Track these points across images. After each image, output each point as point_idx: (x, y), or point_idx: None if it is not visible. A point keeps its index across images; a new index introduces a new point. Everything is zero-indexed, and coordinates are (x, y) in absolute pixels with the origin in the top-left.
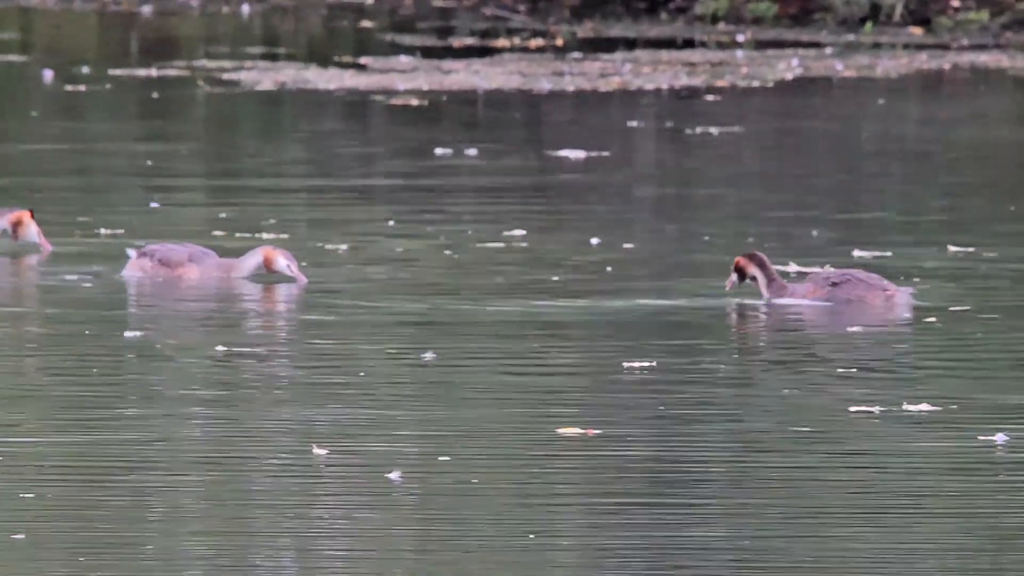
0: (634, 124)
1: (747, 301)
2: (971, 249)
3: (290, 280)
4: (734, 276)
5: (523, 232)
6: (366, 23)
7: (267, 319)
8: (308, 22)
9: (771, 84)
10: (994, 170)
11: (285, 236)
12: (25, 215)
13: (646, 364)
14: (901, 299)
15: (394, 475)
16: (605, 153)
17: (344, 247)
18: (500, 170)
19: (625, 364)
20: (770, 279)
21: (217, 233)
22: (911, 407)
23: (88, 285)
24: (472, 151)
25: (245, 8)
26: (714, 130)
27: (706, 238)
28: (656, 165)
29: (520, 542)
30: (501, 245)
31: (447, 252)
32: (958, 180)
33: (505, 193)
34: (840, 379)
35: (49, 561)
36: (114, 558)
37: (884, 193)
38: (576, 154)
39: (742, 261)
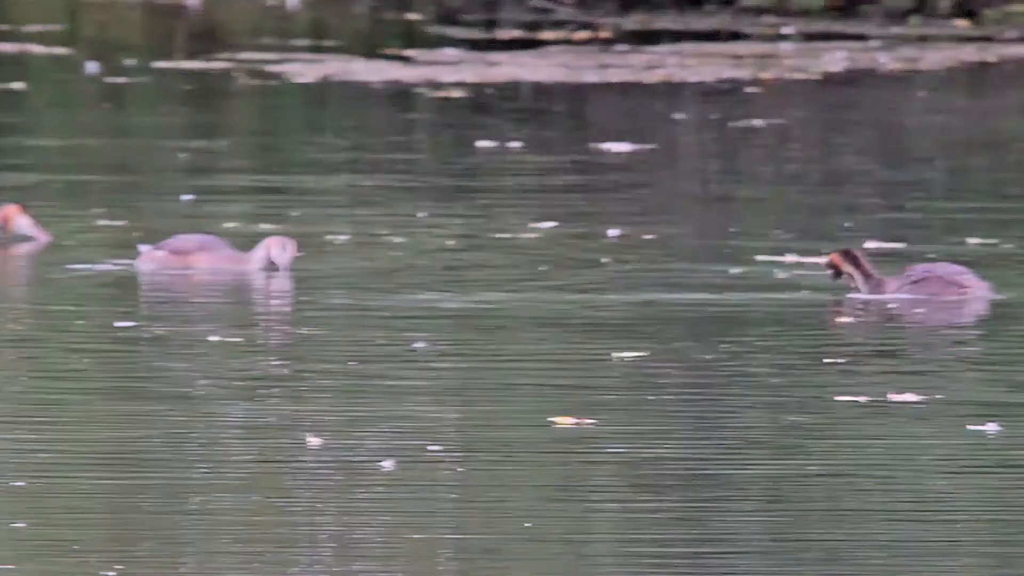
0: (680, 116)
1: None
2: (994, 241)
3: (293, 271)
4: (829, 273)
5: (553, 224)
6: (412, 15)
7: (260, 310)
8: (354, 14)
9: (817, 76)
10: None
11: (283, 227)
12: (11, 209)
13: (636, 355)
14: (977, 295)
15: (387, 464)
16: (650, 145)
17: (345, 238)
18: (543, 162)
19: (615, 355)
20: (867, 275)
21: (228, 225)
22: (897, 398)
23: (87, 276)
24: (516, 143)
25: (291, 0)
26: (759, 122)
27: (732, 229)
28: (700, 158)
29: (515, 532)
30: (508, 236)
31: (449, 243)
32: (997, 174)
33: (546, 185)
34: (832, 371)
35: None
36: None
37: (927, 186)
38: (621, 146)
39: (836, 258)
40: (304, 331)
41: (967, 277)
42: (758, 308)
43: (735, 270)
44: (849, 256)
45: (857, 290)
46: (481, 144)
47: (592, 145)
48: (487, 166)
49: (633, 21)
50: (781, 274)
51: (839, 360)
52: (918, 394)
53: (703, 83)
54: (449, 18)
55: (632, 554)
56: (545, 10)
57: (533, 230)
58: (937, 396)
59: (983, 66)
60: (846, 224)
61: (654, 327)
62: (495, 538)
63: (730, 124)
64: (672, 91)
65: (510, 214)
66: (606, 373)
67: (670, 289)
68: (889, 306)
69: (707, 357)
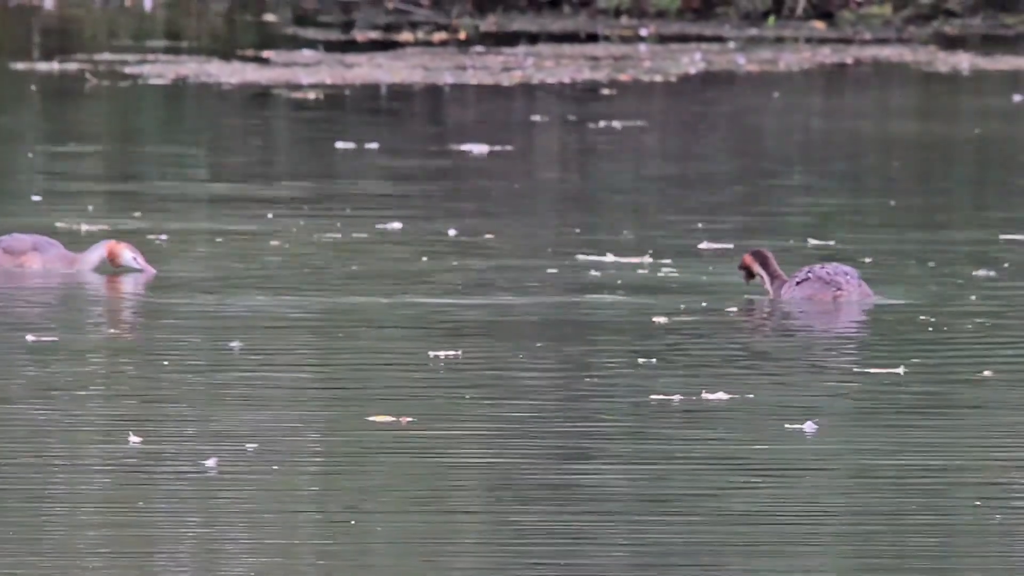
0: (537, 118)
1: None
2: (831, 243)
3: (136, 271)
4: (742, 274)
5: (398, 226)
6: (269, 17)
7: (84, 312)
8: (211, 16)
9: (674, 78)
10: (889, 164)
11: (128, 228)
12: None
13: (452, 354)
14: (853, 298)
15: (211, 462)
16: (508, 147)
17: (163, 237)
18: (400, 164)
19: (431, 355)
20: (773, 276)
21: (73, 227)
22: (710, 396)
23: None
24: (374, 145)
25: (147, 1)
26: (617, 124)
27: (577, 230)
28: (557, 159)
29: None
30: (340, 237)
31: (275, 243)
32: (853, 175)
33: (401, 187)
34: (647, 371)
35: None
36: None
37: (782, 187)
38: (479, 148)
39: (748, 259)
40: (127, 333)
41: (847, 279)
42: (577, 309)
43: (554, 270)
44: (759, 257)
45: (767, 291)
46: (339, 146)
47: (450, 146)
48: (343, 168)
49: (490, 22)
50: (596, 273)
51: (652, 360)
52: (729, 392)
53: (560, 84)
54: (306, 20)
55: (495, 562)
56: (402, 12)
57: (376, 232)
58: (748, 396)
59: (839, 67)
60: (699, 224)
61: (474, 327)
62: (360, 544)
63: (588, 125)
64: (529, 92)
65: (358, 216)
66: (422, 372)
67: (493, 290)
68: (780, 307)
69: (521, 356)
